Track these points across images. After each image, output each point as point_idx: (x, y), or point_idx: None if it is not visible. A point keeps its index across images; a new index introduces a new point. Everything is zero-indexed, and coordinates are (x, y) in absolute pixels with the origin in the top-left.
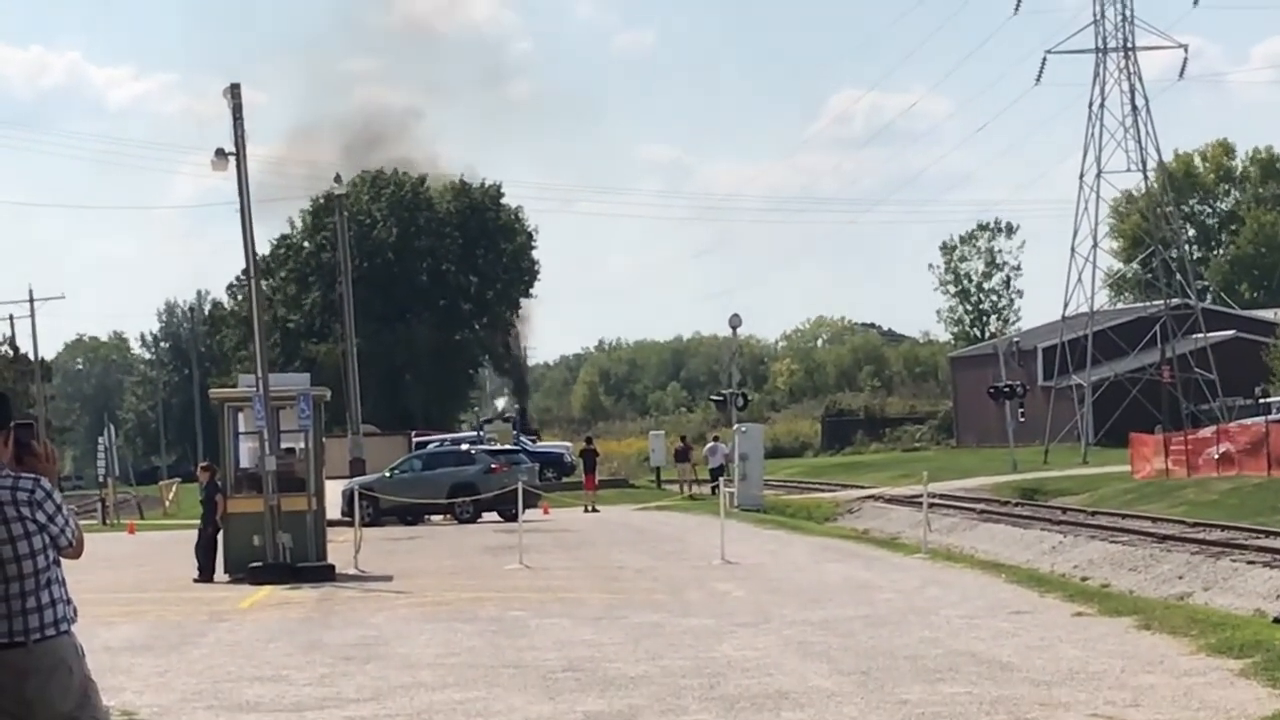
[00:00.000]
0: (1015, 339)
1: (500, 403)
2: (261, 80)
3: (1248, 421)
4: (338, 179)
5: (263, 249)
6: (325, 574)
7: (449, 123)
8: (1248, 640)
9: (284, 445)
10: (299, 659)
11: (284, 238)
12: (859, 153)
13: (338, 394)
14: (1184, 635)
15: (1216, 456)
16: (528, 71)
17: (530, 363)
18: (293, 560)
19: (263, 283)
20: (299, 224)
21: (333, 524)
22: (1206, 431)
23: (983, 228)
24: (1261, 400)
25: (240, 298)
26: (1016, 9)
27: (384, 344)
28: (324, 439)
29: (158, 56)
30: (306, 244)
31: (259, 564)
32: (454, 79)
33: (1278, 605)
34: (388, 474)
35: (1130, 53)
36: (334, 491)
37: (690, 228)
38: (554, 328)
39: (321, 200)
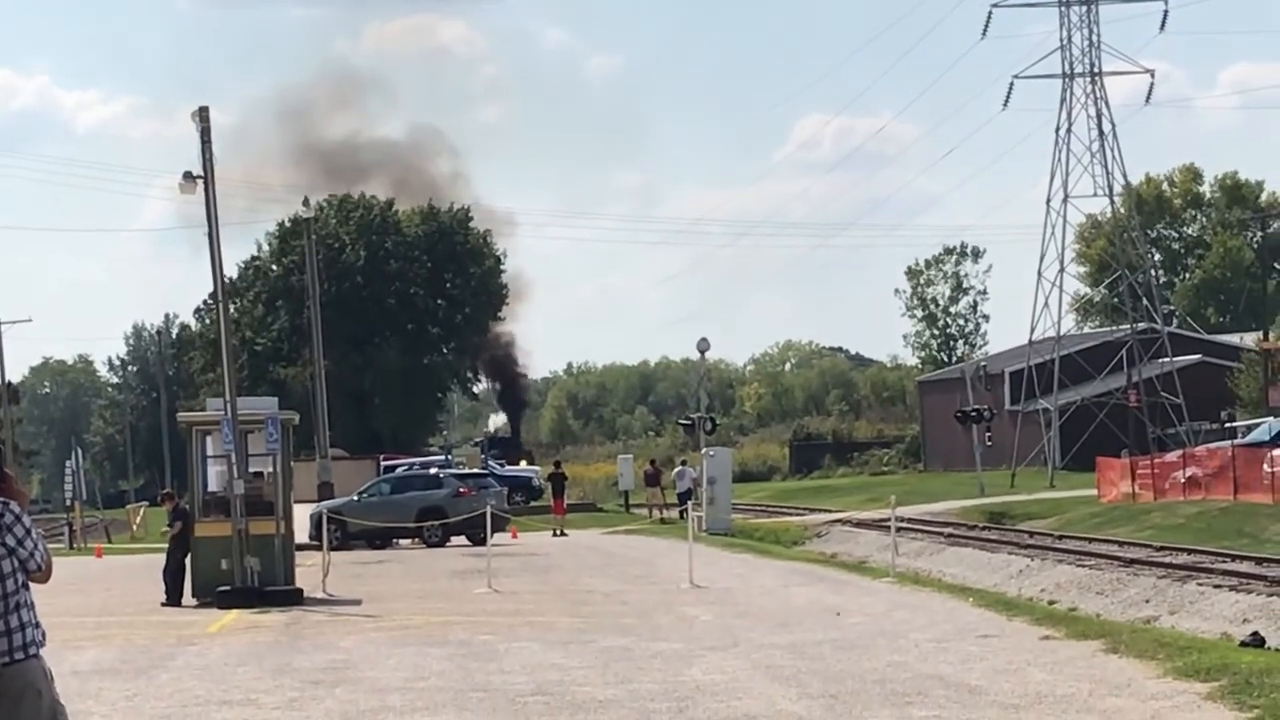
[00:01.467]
0: (982, 363)
1: (495, 420)
2: (230, 104)
3: (1214, 445)
4: (306, 202)
5: (230, 272)
6: (293, 598)
7: (419, 147)
8: (1214, 664)
9: (252, 469)
10: (268, 683)
11: (252, 260)
12: (827, 177)
13: (306, 417)
14: (1151, 659)
15: (1183, 480)
16: (497, 96)
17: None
18: (261, 584)
19: (230, 306)
20: (266, 247)
21: (301, 548)
22: (1173, 455)
23: (949, 252)
24: (1227, 424)
25: (208, 321)
26: (984, 33)
27: (352, 367)
28: (292, 463)
29: (126, 79)
30: (274, 267)
31: (227, 588)
32: (422, 103)
33: (1244, 629)
34: (356, 498)
35: (1097, 78)
36: (302, 515)
37: (659, 252)
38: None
39: (289, 223)
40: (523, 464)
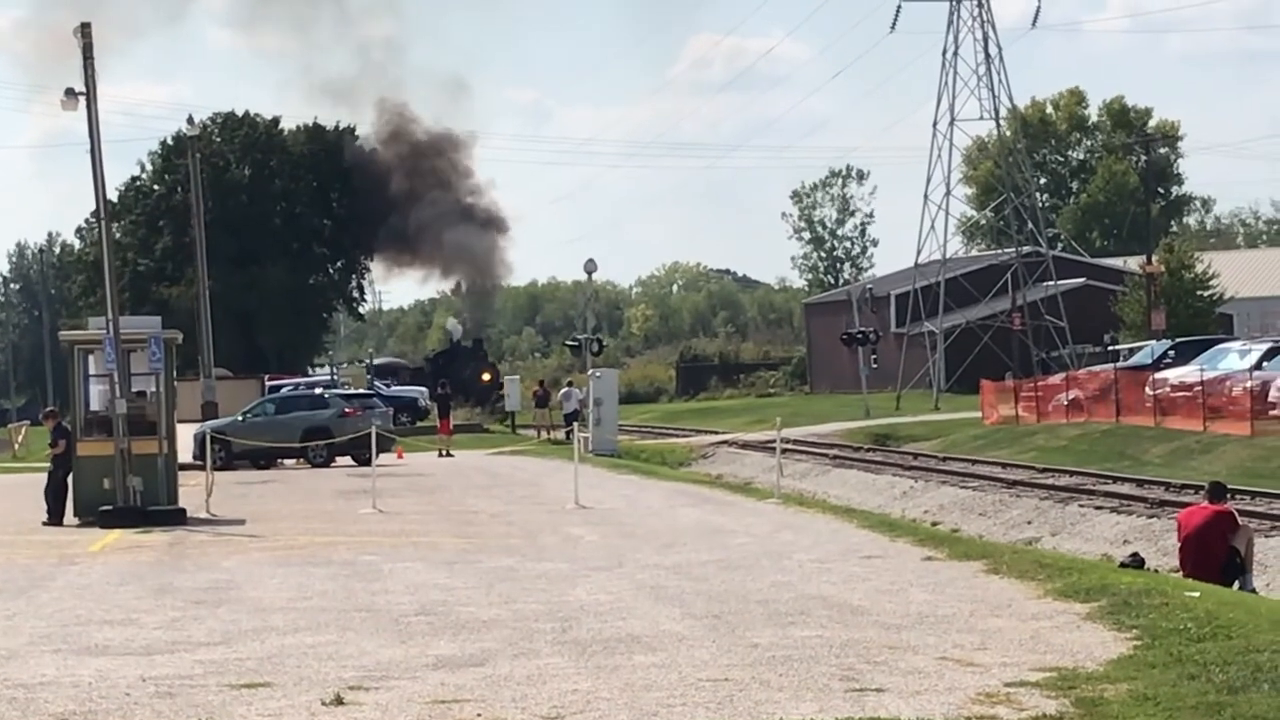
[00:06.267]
0: (868, 286)
1: (450, 323)
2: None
3: (1096, 369)
4: (190, 120)
5: (113, 193)
6: (176, 518)
7: (309, 62)
8: (1094, 584)
9: (135, 388)
10: (149, 602)
11: (134, 180)
12: (717, 97)
13: (190, 337)
14: (1032, 579)
15: (1066, 403)
16: (385, 10)
17: (386, 306)
18: (143, 504)
19: (113, 225)
20: (149, 166)
21: (184, 468)
22: (1056, 378)
23: (835, 174)
24: (1110, 347)
25: (90, 241)
26: None
27: (237, 287)
28: (175, 382)
29: None
30: (157, 186)
31: (109, 507)
32: (311, 16)
33: (1124, 550)
34: (240, 418)
35: (984, 1)
36: (186, 435)
37: (548, 172)
38: (409, 271)
39: (171, 142)
40: (485, 378)
